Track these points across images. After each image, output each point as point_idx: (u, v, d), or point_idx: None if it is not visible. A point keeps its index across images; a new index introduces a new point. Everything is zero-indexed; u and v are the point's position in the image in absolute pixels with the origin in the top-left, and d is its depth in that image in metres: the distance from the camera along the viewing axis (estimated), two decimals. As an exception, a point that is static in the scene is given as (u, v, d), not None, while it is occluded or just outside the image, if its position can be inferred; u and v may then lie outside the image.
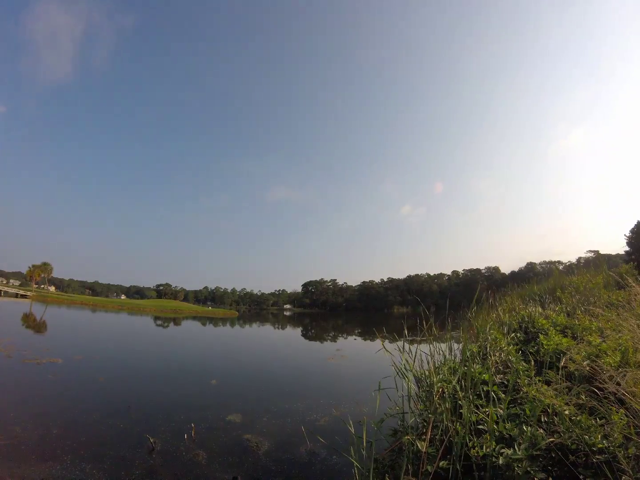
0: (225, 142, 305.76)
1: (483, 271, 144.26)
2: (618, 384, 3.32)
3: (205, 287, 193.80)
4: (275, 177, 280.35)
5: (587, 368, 4.10)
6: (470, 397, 3.68)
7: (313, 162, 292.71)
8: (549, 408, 3.37)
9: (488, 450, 3.00)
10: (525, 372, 4.37)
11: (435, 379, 4.35)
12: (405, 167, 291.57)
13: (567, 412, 3.19)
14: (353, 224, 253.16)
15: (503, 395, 3.84)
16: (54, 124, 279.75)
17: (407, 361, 4.83)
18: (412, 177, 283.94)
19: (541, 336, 5.68)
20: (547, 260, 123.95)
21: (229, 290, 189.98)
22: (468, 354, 5.15)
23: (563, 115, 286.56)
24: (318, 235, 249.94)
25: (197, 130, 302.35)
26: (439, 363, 5.31)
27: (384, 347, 4.66)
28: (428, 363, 5.09)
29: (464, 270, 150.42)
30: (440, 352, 5.78)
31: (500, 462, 2.83)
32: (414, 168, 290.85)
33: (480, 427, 3.37)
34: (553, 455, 2.97)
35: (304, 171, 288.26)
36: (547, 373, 4.31)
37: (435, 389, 4.07)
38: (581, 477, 2.70)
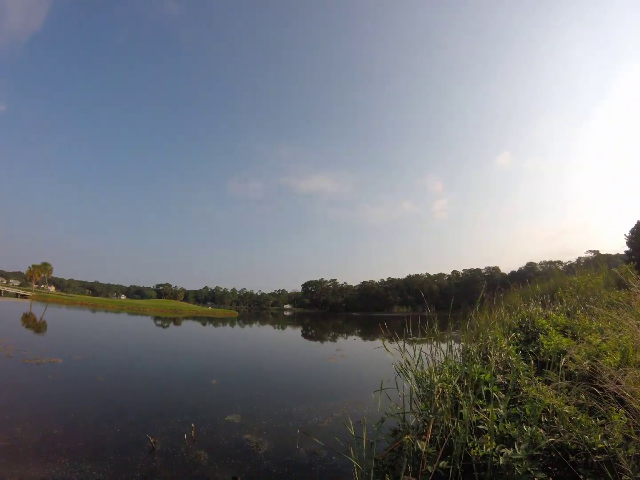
0: (232, 137, 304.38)
1: (483, 271, 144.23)
2: (618, 383, 3.32)
3: (205, 287, 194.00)
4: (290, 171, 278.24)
5: (587, 368, 4.10)
6: (471, 397, 3.68)
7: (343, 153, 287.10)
8: (549, 408, 3.37)
9: (488, 450, 3.00)
10: (525, 372, 4.37)
11: (435, 379, 4.35)
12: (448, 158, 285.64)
13: (567, 412, 3.19)
14: (379, 220, 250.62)
15: (503, 395, 3.84)
16: (53, 121, 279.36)
17: (407, 361, 4.83)
18: (451, 170, 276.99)
19: (541, 336, 5.69)
20: (547, 260, 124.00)
21: (229, 290, 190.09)
22: (468, 354, 5.15)
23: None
24: (325, 234, 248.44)
25: (198, 129, 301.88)
26: (440, 363, 5.31)
27: (384, 346, 4.65)
28: (428, 363, 5.09)
29: (464, 270, 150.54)
30: (441, 352, 5.77)
31: (501, 462, 2.84)
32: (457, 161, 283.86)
33: (480, 427, 3.37)
34: (553, 455, 2.97)
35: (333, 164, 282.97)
36: (547, 373, 4.31)
37: (436, 389, 4.07)
38: (581, 477, 2.70)
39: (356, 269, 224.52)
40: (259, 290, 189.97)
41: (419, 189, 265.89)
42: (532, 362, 4.70)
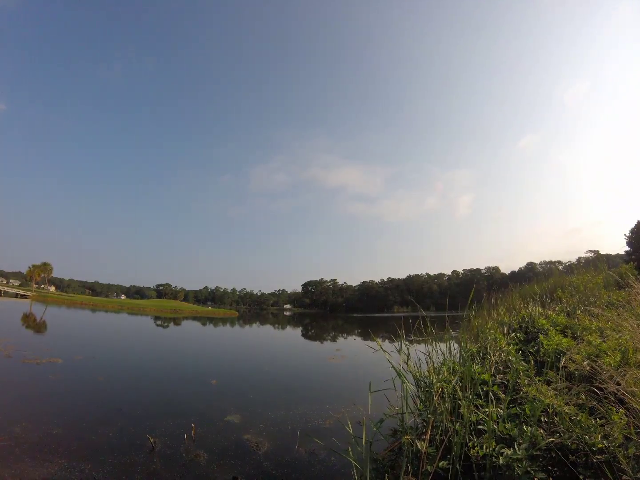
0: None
1: (483, 271, 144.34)
2: (618, 384, 3.32)
3: (205, 287, 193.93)
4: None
5: (587, 368, 4.10)
6: (470, 397, 3.68)
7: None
8: (549, 408, 3.37)
9: (488, 450, 3.00)
10: (525, 372, 4.37)
11: (434, 379, 4.34)
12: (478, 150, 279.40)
13: (567, 412, 3.18)
14: (399, 217, 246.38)
15: (503, 395, 3.84)
16: (54, 120, 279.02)
17: (405, 362, 4.83)
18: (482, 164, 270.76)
19: (541, 336, 5.68)
20: (547, 260, 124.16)
21: (229, 290, 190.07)
22: (467, 354, 5.15)
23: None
24: (335, 232, 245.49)
25: (197, 129, 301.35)
26: (438, 363, 5.30)
27: (381, 348, 4.65)
28: (427, 363, 5.09)
29: (464, 270, 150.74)
30: (440, 352, 5.77)
31: (500, 462, 2.83)
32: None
33: (480, 427, 3.37)
34: (553, 455, 2.97)
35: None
36: (547, 373, 4.31)
37: (435, 389, 4.07)
38: (581, 477, 2.70)
39: (357, 269, 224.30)
40: (259, 290, 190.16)
41: (444, 184, 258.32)
42: (532, 362, 4.70)
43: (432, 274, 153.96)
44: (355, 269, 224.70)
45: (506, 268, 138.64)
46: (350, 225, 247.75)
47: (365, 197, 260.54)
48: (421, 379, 4.82)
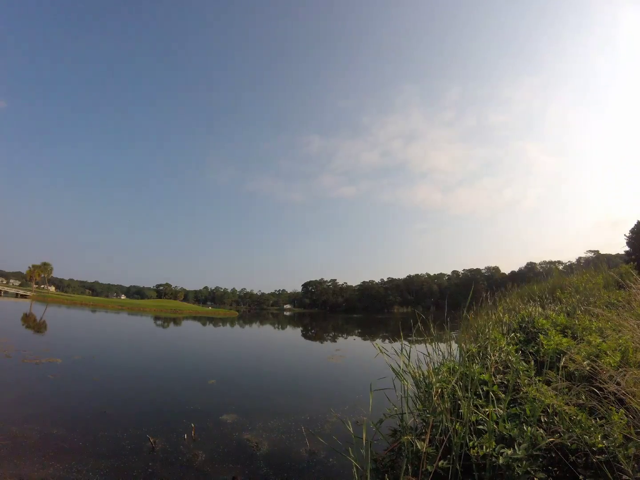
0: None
1: (483, 271, 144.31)
2: (618, 384, 3.32)
3: (205, 287, 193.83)
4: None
5: (587, 368, 4.09)
6: (470, 397, 3.68)
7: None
8: (549, 408, 3.37)
9: (488, 450, 3.00)
10: (525, 372, 4.36)
11: (433, 380, 4.34)
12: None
13: (567, 412, 3.18)
14: (466, 208, 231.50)
15: (503, 395, 3.84)
16: (54, 120, 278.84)
17: (405, 362, 4.83)
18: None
19: (541, 336, 5.67)
20: (547, 260, 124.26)
21: (229, 290, 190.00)
22: (467, 354, 5.15)
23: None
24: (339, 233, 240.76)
25: (198, 126, 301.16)
26: (438, 363, 5.30)
27: (379, 349, 4.64)
28: (427, 363, 5.08)
29: (464, 270, 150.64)
30: (440, 352, 5.77)
31: (500, 462, 2.83)
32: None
33: (480, 427, 3.37)
34: (553, 455, 2.97)
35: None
36: (547, 373, 4.30)
37: (434, 389, 4.06)
38: (581, 477, 2.70)
39: (356, 269, 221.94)
40: (259, 290, 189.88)
41: (526, 173, 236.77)
42: (532, 362, 4.70)
43: (432, 273, 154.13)
44: (355, 269, 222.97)
45: (505, 269, 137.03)
46: (405, 217, 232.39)
47: (444, 185, 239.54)
48: (421, 379, 4.81)
